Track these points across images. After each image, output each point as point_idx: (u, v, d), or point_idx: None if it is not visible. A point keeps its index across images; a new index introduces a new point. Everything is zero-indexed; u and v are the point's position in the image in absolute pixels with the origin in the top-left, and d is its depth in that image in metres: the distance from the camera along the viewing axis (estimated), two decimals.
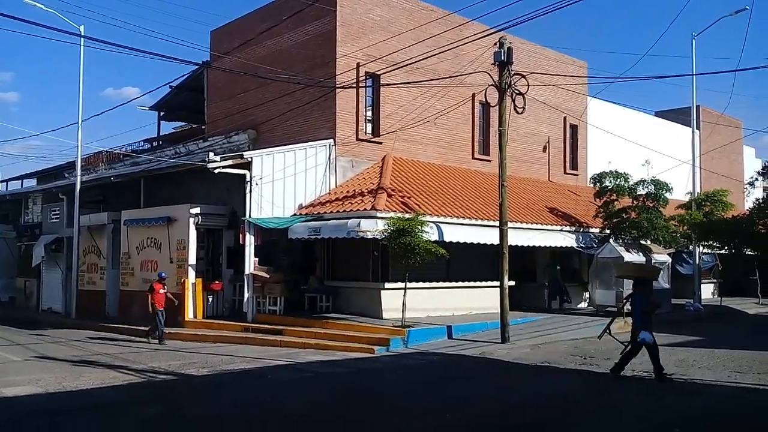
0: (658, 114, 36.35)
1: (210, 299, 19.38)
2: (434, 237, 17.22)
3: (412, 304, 16.48)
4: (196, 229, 19.25)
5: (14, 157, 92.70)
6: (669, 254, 23.67)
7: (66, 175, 28.64)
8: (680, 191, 27.21)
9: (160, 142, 31.03)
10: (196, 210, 19.18)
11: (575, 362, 13.65)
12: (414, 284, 17.28)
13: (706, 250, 26.90)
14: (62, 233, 23.79)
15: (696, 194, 26.76)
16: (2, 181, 41.82)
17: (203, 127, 25.91)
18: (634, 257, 21.14)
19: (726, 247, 24.96)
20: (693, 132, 28.01)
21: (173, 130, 33.75)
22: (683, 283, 26.14)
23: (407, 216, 16.79)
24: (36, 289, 25.60)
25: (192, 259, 19.07)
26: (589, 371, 12.67)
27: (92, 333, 18.98)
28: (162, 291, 17.21)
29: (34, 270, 25.15)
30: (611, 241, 22.00)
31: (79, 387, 10.94)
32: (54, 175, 32.39)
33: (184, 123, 33.32)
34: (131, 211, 21.35)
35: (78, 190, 22.35)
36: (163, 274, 17.84)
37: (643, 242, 22.39)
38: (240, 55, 22.09)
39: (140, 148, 30.76)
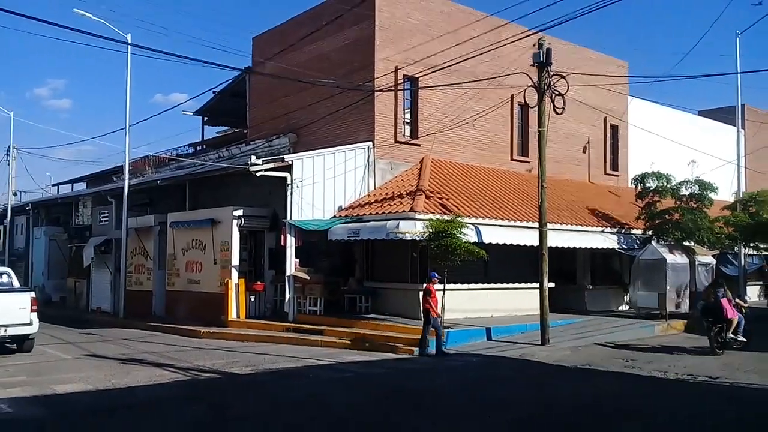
0: (701, 113, 35.63)
1: (252, 299, 19.74)
2: (473, 238, 17.25)
3: (450, 306, 16.53)
4: (239, 230, 19.65)
5: (66, 162, 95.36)
6: (713, 256, 23.24)
7: (114, 178, 29.47)
8: (725, 192, 26.64)
9: (204, 147, 31.70)
10: (239, 212, 19.57)
11: (617, 365, 13.50)
12: (453, 285, 17.33)
13: (752, 252, 26.30)
14: (111, 235, 24.46)
15: (741, 194, 26.20)
16: (54, 185, 43.21)
17: (245, 131, 26.38)
18: (677, 259, 20.84)
19: None
20: (738, 131, 27.39)
21: (216, 135, 34.43)
22: (728, 286, 25.56)
23: (446, 217, 16.86)
24: (85, 289, 26.36)
25: (235, 260, 19.47)
26: (632, 374, 12.55)
27: (140, 332, 19.50)
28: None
29: (84, 271, 25.91)
30: (653, 242, 21.70)
31: (127, 384, 11.27)
32: (103, 179, 33.33)
33: (227, 127, 33.96)
34: (177, 214, 21.89)
35: (126, 194, 22.97)
36: (436, 275, 15.70)
37: (686, 243, 22.04)
38: (281, 61, 22.44)
39: (185, 152, 31.48)
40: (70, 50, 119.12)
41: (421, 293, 17.88)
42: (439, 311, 15.17)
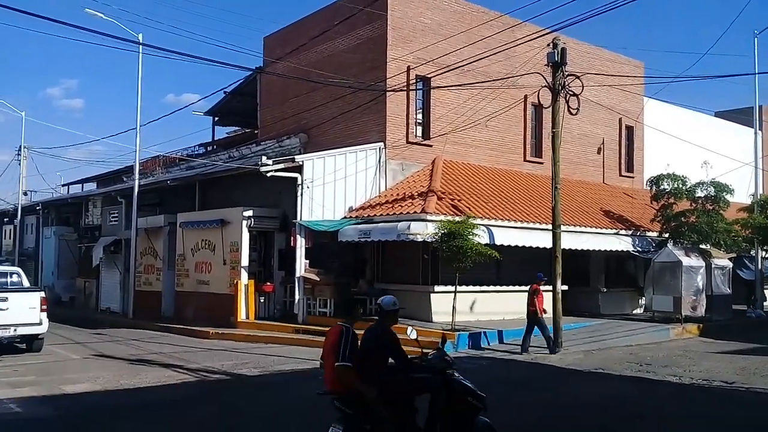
0: (718, 114, 35.20)
1: (261, 300, 19.61)
2: (485, 240, 17.05)
3: (462, 308, 16.35)
4: (249, 231, 19.53)
5: (76, 162, 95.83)
6: (730, 259, 22.88)
7: (125, 178, 29.46)
8: (742, 194, 26.27)
9: (215, 147, 31.66)
10: (249, 213, 19.46)
11: (630, 369, 13.30)
12: (464, 287, 17.15)
13: None
14: (121, 235, 24.42)
15: (758, 196, 25.82)
16: (64, 185, 43.31)
17: (256, 131, 26.31)
18: (692, 262, 20.52)
19: None
20: (755, 133, 27.05)
21: (227, 135, 34.41)
22: (745, 289, 25.22)
23: (457, 219, 16.67)
24: (95, 289, 26.36)
25: (244, 261, 19.36)
26: (646, 378, 12.33)
27: (149, 332, 19.41)
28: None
29: (94, 271, 25.90)
30: (669, 245, 21.38)
31: (136, 385, 11.22)
32: (113, 179, 33.37)
33: (237, 127, 33.93)
34: (186, 214, 21.81)
35: (136, 194, 22.91)
36: (542, 275, 15.81)
37: (702, 246, 21.72)
38: (292, 61, 22.34)
39: (195, 152, 31.46)
40: (83, 50, 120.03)
41: (431, 295, 17.79)
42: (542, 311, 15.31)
